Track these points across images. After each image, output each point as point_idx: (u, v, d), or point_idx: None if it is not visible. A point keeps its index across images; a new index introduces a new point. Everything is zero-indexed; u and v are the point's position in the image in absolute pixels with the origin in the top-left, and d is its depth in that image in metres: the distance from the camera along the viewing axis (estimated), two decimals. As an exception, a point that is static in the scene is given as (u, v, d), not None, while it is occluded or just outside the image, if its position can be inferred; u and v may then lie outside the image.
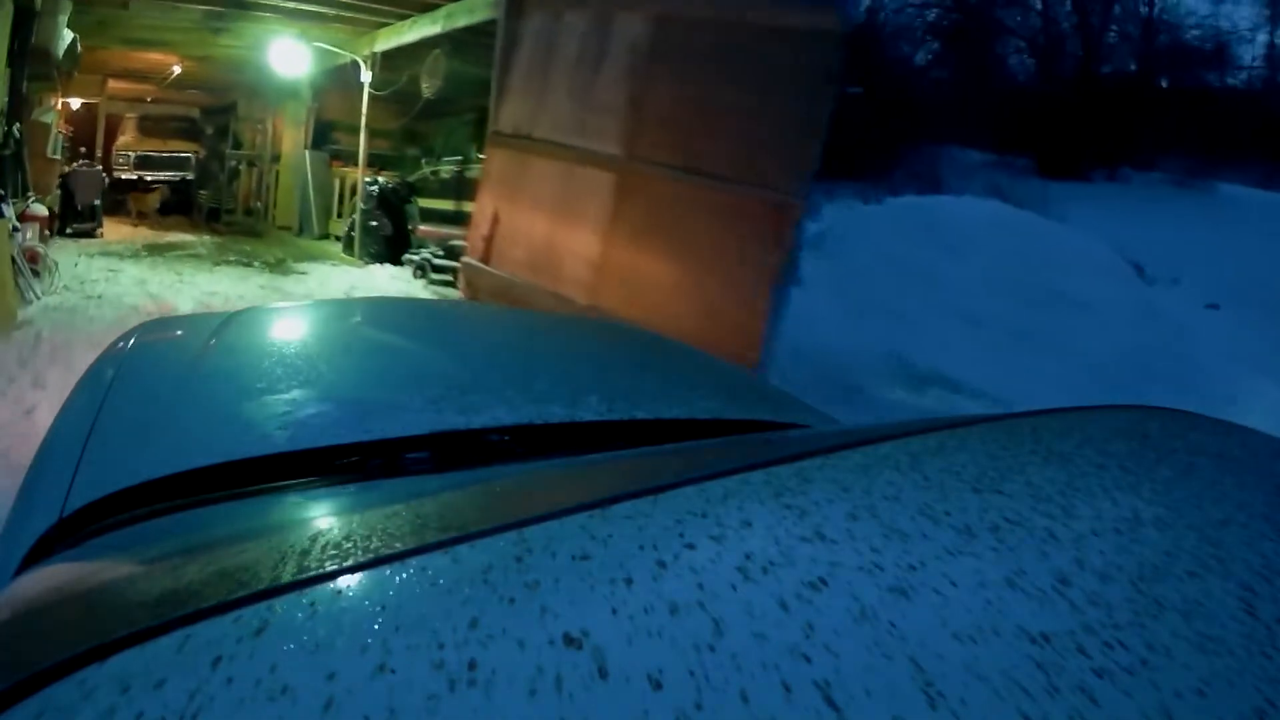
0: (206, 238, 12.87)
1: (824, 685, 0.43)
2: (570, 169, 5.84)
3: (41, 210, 8.55)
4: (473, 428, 1.11)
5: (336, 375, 1.34)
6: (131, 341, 1.52)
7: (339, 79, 11.19)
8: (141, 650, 0.44)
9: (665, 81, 5.21)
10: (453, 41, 9.15)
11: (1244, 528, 0.64)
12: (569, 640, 0.45)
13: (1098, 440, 0.82)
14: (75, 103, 14.29)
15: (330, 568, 0.52)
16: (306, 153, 12.63)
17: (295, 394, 1.20)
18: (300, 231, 12.86)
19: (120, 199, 14.73)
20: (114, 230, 12.55)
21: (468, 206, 8.53)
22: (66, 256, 9.28)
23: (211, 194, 14.28)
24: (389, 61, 9.98)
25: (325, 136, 13.17)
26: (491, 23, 7.27)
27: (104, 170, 14.62)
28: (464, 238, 7.60)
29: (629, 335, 2.01)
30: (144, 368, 1.41)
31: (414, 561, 0.52)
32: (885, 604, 0.50)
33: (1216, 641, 0.50)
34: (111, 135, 15.69)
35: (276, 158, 14.11)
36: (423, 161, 11.33)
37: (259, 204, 14.36)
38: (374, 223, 10.27)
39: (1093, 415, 0.92)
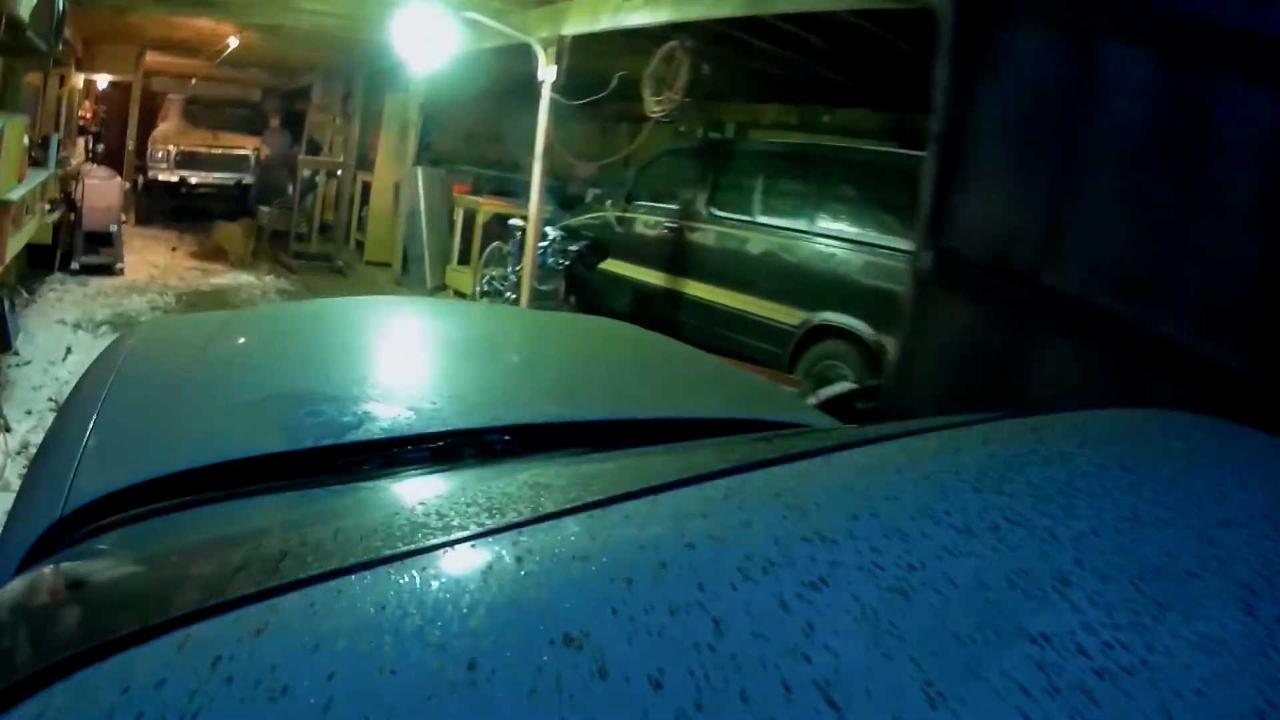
0: (270, 279, 9.06)
1: (824, 685, 0.44)
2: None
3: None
4: (472, 427, 1.13)
5: (336, 375, 1.33)
6: (131, 341, 1.53)
7: (473, 70, 7.36)
8: (141, 650, 0.45)
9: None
10: (702, 35, 5.74)
11: (1244, 528, 0.65)
12: (569, 640, 0.45)
13: (1098, 440, 0.83)
14: (101, 81, 10.53)
15: (330, 568, 0.52)
16: (418, 170, 8.79)
17: (295, 393, 1.23)
18: (404, 274, 9.00)
19: (156, 206, 10.96)
20: (141, 260, 8.84)
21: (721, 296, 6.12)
22: (50, 325, 6.31)
23: (277, 211, 10.36)
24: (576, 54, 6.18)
25: (432, 146, 9.33)
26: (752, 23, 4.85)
27: (140, 168, 10.68)
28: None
29: (629, 335, 2.00)
30: (144, 367, 1.40)
31: (414, 561, 0.52)
32: (885, 604, 0.50)
33: (1216, 642, 0.50)
34: (147, 123, 11.89)
35: (367, 166, 10.26)
36: (604, 202, 7.45)
37: (341, 229, 10.44)
38: (545, 288, 6.42)
39: (1093, 415, 0.93)
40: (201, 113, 12.29)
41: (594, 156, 8.03)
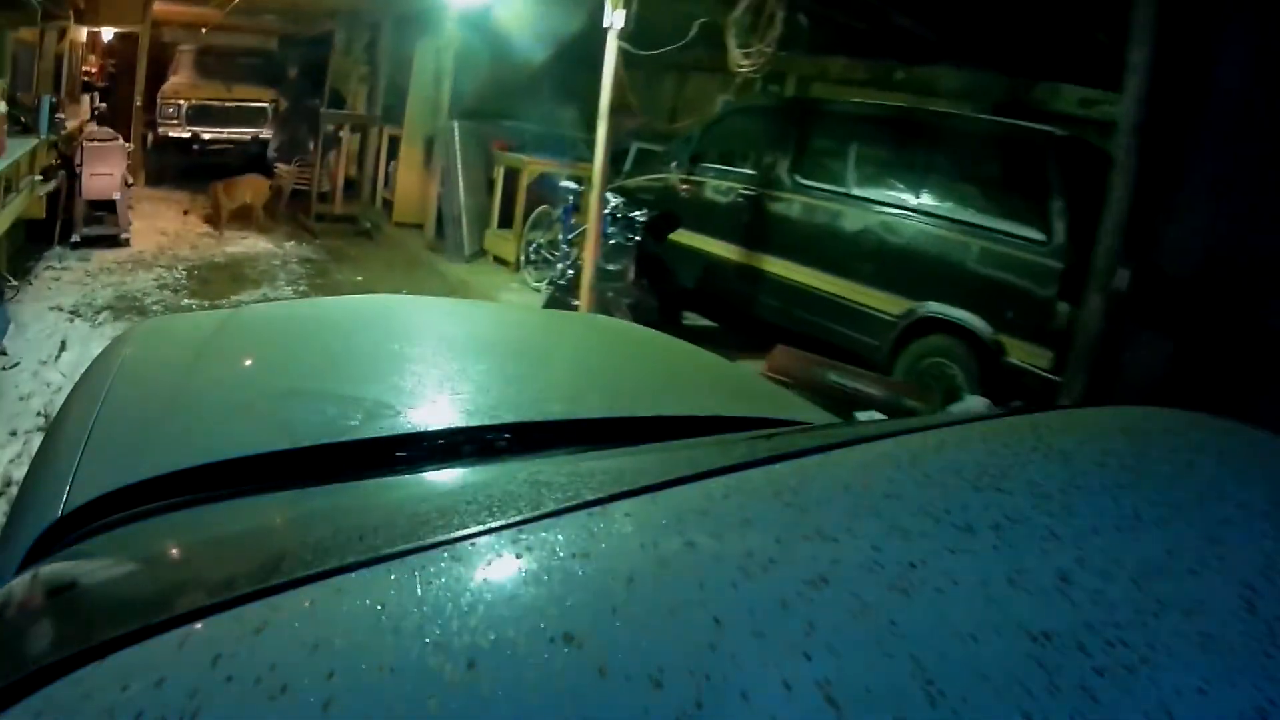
0: (291, 245, 8.20)
1: (825, 683, 0.44)
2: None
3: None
4: (472, 425, 1.13)
5: (335, 373, 1.33)
6: (131, 340, 1.54)
7: (515, 13, 6.43)
8: (141, 648, 0.45)
9: None
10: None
11: (1245, 526, 0.65)
12: (569, 639, 0.45)
13: (1099, 438, 0.83)
14: (107, 34, 9.65)
15: (330, 566, 0.52)
16: (454, 125, 7.80)
17: (294, 392, 1.23)
18: (438, 237, 8.10)
19: (167, 165, 10.14)
20: (149, 227, 8.00)
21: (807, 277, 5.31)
22: (44, 313, 5.45)
23: (297, 168, 9.44)
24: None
25: (466, 98, 8.34)
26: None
27: (149, 125, 9.85)
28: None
29: (629, 333, 2.00)
30: (144, 366, 1.41)
31: (414, 559, 0.52)
32: (886, 602, 0.51)
33: (1217, 640, 0.51)
34: (157, 77, 10.97)
35: (394, 119, 9.31)
36: (669, 163, 6.47)
37: (368, 188, 9.47)
38: (612, 268, 5.48)
39: (1094, 413, 0.94)
40: (214, 64, 11.38)
41: (663, 114, 7.07)
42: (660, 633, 0.46)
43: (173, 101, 10.68)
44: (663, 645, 0.45)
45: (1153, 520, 0.64)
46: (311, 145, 9.59)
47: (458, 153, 7.67)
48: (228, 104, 11.01)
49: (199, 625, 0.46)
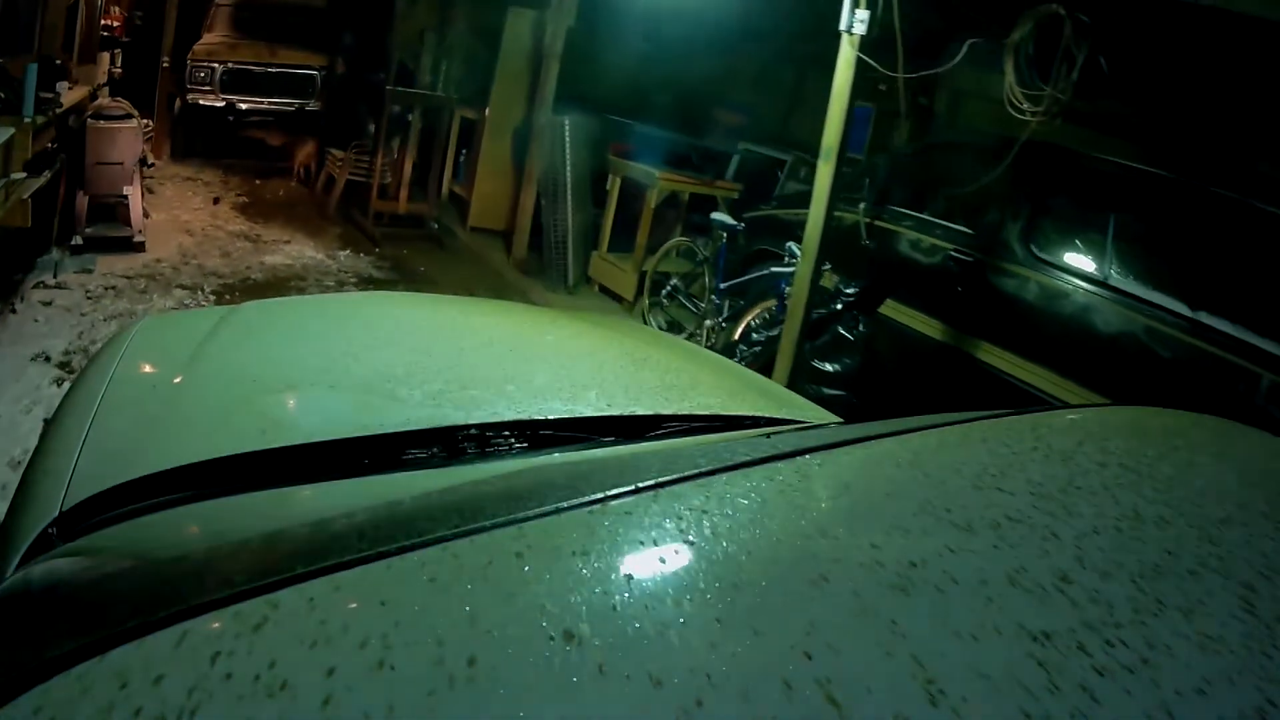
0: (346, 256, 6.61)
1: (825, 682, 0.44)
2: None
3: None
4: (473, 423, 1.13)
5: (335, 371, 1.33)
6: (131, 337, 1.52)
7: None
8: (140, 645, 0.45)
9: None
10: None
11: (1244, 526, 0.66)
12: (569, 637, 0.46)
13: (1099, 438, 0.84)
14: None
15: (329, 563, 0.53)
16: (565, 122, 6.13)
17: (293, 389, 1.25)
18: (530, 253, 6.46)
19: (197, 138, 8.66)
20: (171, 220, 6.55)
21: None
22: (22, 364, 3.98)
23: (353, 155, 7.72)
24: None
25: (581, 86, 6.68)
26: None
27: (177, 90, 8.39)
28: None
29: (629, 332, 2.03)
30: (143, 363, 1.42)
31: (414, 557, 0.53)
32: (886, 601, 0.51)
33: (1217, 640, 0.51)
34: (188, 34, 9.32)
35: (469, 101, 7.63)
36: (856, 203, 4.85)
37: (435, 180, 7.73)
38: (830, 368, 3.87)
39: (1094, 413, 0.95)
40: (255, 21, 9.63)
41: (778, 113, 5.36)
42: (660, 631, 0.47)
43: (205, 64, 9.00)
44: (663, 643, 0.46)
45: (1152, 520, 0.64)
46: (371, 127, 7.95)
47: (567, 157, 6.04)
48: (270, 69, 9.33)
49: (198, 621, 0.47)
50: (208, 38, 9.31)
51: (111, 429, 1.12)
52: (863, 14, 3.58)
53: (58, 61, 4.90)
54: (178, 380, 1.27)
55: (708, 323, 4.99)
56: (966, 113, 6.00)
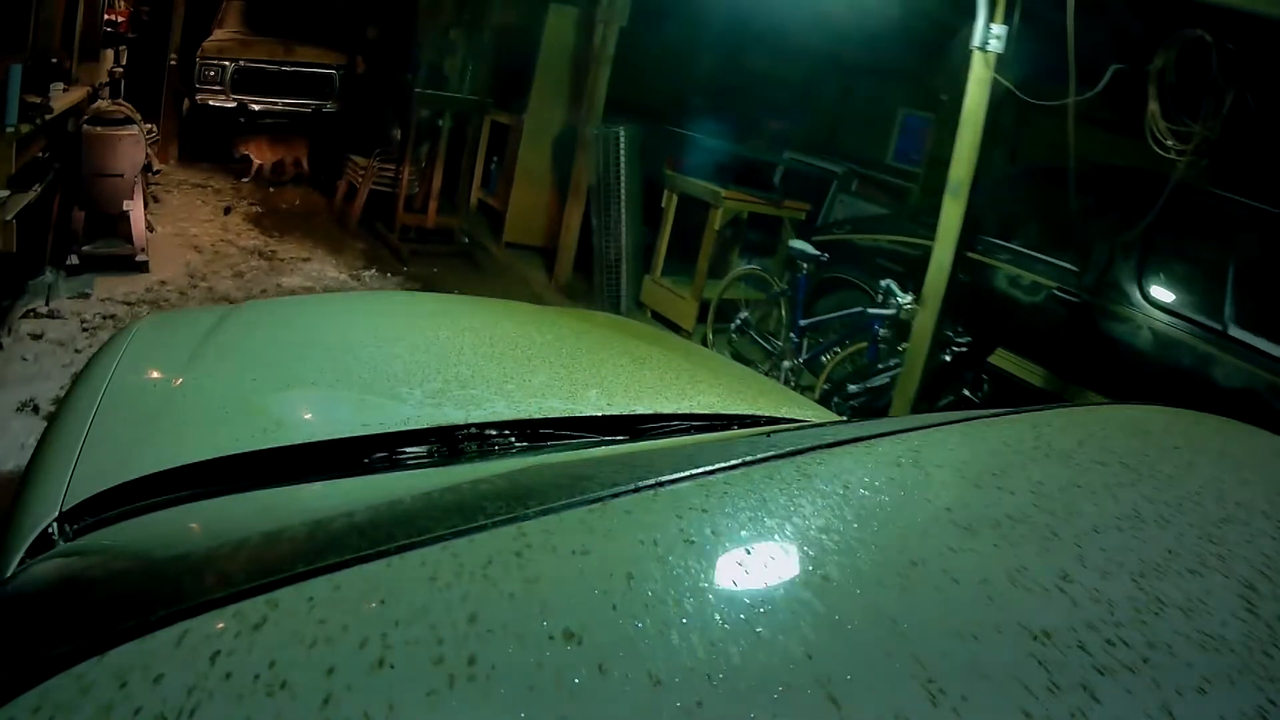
0: (371, 276, 6.06)
1: (825, 682, 0.44)
2: None
3: None
4: (472, 422, 1.13)
5: (335, 370, 1.33)
6: (130, 337, 1.51)
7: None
8: (140, 644, 0.45)
9: None
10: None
11: (1245, 525, 0.65)
12: (568, 636, 0.45)
13: (1099, 437, 0.83)
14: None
15: (329, 562, 0.52)
16: (620, 133, 5.53)
17: (293, 389, 1.25)
18: (576, 275, 5.86)
19: (207, 141, 8.16)
20: (177, 234, 6.05)
21: None
22: (5, 414, 3.39)
23: (377, 163, 7.07)
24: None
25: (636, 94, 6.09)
26: None
27: (185, 88, 8.37)
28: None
29: (630, 331, 2.00)
30: (143, 363, 1.40)
31: (413, 556, 0.53)
32: (887, 600, 0.51)
33: (1217, 639, 0.51)
34: (197, 29, 8.73)
35: (501, 103, 7.01)
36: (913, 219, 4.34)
37: (465, 189, 7.08)
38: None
39: (1094, 413, 0.93)
40: (269, 16, 9.04)
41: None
42: (661, 630, 0.47)
43: (215, 62, 8.42)
44: (663, 643, 0.46)
45: (1153, 519, 0.64)
46: (397, 133, 7.34)
47: (622, 172, 5.45)
48: (284, 68, 8.77)
49: (198, 621, 0.46)
50: (218, 34, 8.73)
51: (111, 429, 1.13)
52: (999, 29, 3.05)
53: (54, 60, 4.35)
54: (178, 380, 1.28)
55: (785, 364, 4.43)
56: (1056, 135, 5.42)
